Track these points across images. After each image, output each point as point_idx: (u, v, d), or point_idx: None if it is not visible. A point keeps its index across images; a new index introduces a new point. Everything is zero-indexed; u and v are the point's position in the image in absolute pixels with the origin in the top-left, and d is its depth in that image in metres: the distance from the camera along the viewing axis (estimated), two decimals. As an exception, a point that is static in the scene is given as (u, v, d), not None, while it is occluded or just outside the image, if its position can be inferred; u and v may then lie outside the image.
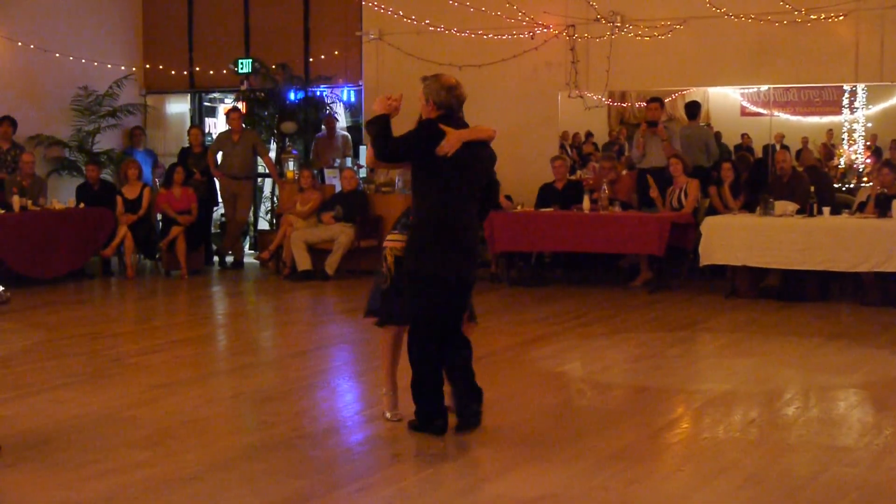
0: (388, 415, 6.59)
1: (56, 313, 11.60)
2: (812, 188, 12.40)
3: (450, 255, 6.24)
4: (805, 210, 12.02)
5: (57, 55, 15.92)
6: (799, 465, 5.86)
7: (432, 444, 6.15)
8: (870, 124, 17.40)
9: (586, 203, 12.79)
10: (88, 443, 6.26)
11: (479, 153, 6.33)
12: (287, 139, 15.96)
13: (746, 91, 16.94)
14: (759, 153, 16.41)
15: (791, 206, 12.08)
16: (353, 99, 17.10)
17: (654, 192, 13.07)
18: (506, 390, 7.22)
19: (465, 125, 6.33)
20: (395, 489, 5.43)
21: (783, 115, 17.32)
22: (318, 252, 13.96)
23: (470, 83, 15.33)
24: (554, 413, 6.96)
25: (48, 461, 5.91)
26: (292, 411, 7.12)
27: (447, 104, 6.30)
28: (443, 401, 6.33)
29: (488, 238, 12.97)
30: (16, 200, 13.41)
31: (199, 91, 17.92)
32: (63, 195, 15.06)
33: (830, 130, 17.73)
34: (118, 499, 5.31)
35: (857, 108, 17.41)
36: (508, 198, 13.34)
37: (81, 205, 14.27)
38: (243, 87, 16.45)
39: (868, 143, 17.24)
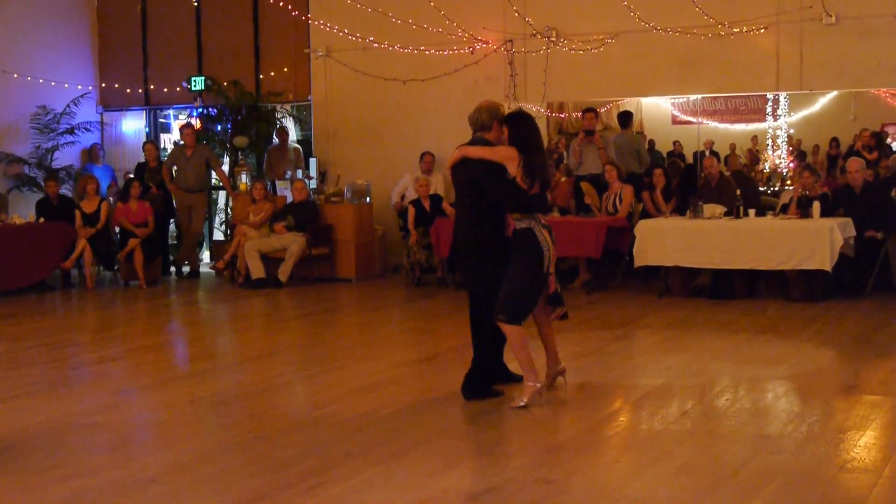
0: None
1: (17, 324, 11.67)
2: (738, 192, 12.72)
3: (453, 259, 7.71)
4: (732, 212, 12.32)
5: (15, 75, 16.11)
6: (729, 454, 6.06)
7: (382, 443, 6.35)
8: (792, 130, 17.89)
9: (526, 209, 13.14)
10: (50, 449, 6.33)
11: (464, 168, 7.16)
12: (239, 153, 16.18)
13: (677, 100, 17.33)
14: (690, 159, 16.82)
15: (719, 209, 12.35)
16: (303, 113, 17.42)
17: (588, 199, 13.43)
18: (452, 389, 7.41)
19: (484, 143, 7.21)
20: (347, 486, 5.53)
21: (712, 123, 17.75)
22: (271, 260, 14.17)
23: (414, 97, 15.78)
24: (498, 410, 7.08)
25: (11, 467, 5.98)
26: (248, 414, 7.28)
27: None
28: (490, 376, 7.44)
29: (434, 244, 13.32)
30: (-23, 216, 13.56)
31: (153, 108, 18.07)
32: (23, 210, 15.20)
33: (755, 137, 18.17)
34: (80, 502, 5.40)
35: (781, 116, 17.89)
36: (453, 205, 13.73)
37: (41, 219, 14.46)
38: (196, 104, 16.69)
39: (791, 148, 17.74)
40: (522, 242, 7.03)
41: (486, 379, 7.38)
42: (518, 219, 7.03)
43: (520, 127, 7.09)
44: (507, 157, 6.96)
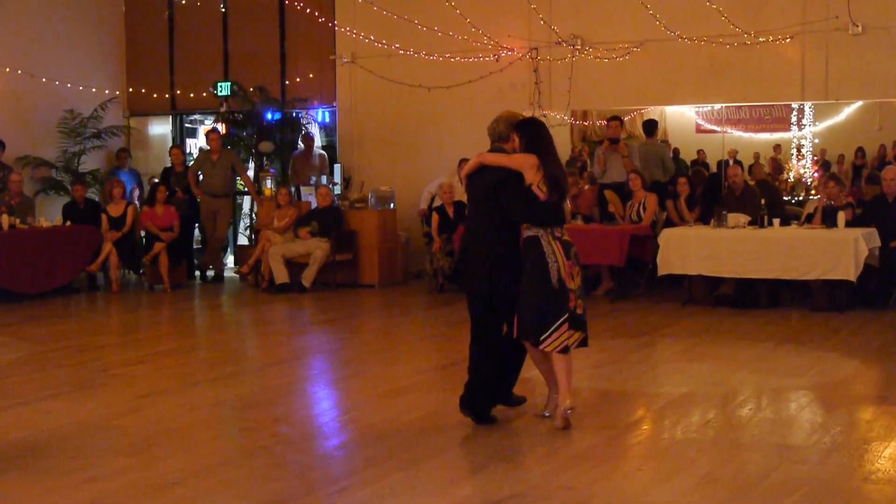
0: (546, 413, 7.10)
1: (44, 327, 11.76)
2: (763, 201, 12.71)
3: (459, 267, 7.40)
4: (756, 222, 12.34)
5: (44, 80, 16.21)
6: (752, 464, 6.05)
7: (404, 448, 6.38)
8: (817, 140, 17.85)
9: (550, 216, 13.16)
10: (75, 451, 6.40)
11: (480, 176, 6.98)
12: (265, 158, 16.27)
13: (701, 109, 17.33)
14: (714, 168, 16.81)
15: (743, 219, 12.37)
16: (327, 119, 17.47)
17: (612, 207, 13.44)
18: None
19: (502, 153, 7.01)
20: (369, 491, 5.57)
21: (736, 132, 17.73)
22: (295, 266, 14.24)
23: (438, 104, 15.81)
24: (521, 416, 7.12)
25: (36, 469, 6.06)
26: (271, 418, 7.30)
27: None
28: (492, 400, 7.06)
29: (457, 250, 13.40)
30: (4, 219, 13.68)
31: (180, 113, 18.20)
32: (50, 214, 15.34)
33: (778, 146, 18.13)
34: None
35: (805, 125, 17.85)
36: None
37: (68, 223, 14.58)
38: (222, 109, 16.75)
39: (815, 158, 17.68)
40: (527, 252, 6.83)
41: (486, 398, 7.06)
42: (527, 227, 6.85)
43: (531, 133, 6.88)
44: (526, 164, 6.77)
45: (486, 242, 6.96)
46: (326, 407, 8.07)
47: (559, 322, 6.74)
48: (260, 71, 16.94)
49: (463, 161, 14.48)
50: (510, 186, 6.81)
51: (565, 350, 6.81)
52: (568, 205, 7.19)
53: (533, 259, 6.79)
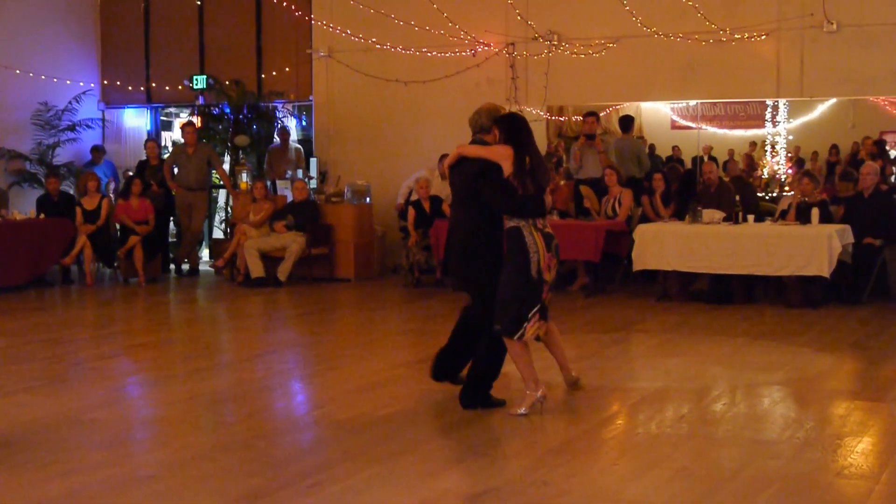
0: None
1: (17, 320, 11.70)
2: (737, 197, 12.79)
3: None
4: (731, 218, 12.40)
5: (17, 71, 16.15)
6: (726, 458, 6.09)
7: (380, 443, 6.37)
8: (791, 137, 17.99)
9: (525, 211, 13.20)
10: (49, 445, 6.35)
11: (460, 168, 7.11)
12: (240, 152, 16.23)
13: (676, 106, 17.44)
14: (689, 164, 16.93)
15: (718, 215, 12.42)
16: (304, 122, 17.49)
17: (587, 203, 13.49)
18: (450, 392, 7.41)
19: (483, 145, 7.11)
20: (345, 485, 5.56)
21: (711, 129, 17.85)
22: (270, 259, 14.23)
23: (415, 99, 15.85)
24: (497, 411, 7.12)
25: (10, 463, 5.98)
26: (247, 412, 7.31)
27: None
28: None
29: (434, 245, 13.34)
30: (-22, 212, 13.61)
31: (155, 106, 18.14)
32: (24, 206, 15.30)
33: (753, 143, 18.28)
34: (79, 498, 5.40)
35: (780, 122, 17.99)
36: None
37: (42, 215, 14.51)
38: (198, 102, 16.72)
39: (790, 155, 17.82)
40: (509, 243, 6.88)
41: (486, 386, 7.24)
42: (508, 218, 6.91)
43: (509, 127, 6.94)
44: (502, 155, 6.84)
45: (462, 234, 7.07)
46: (302, 401, 8.05)
47: (533, 312, 6.86)
48: (236, 64, 16.91)
49: (444, 156, 14.51)
50: (490, 178, 6.88)
51: (535, 338, 6.96)
52: (549, 197, 7.22)
53: (514, 250, 6.85)
